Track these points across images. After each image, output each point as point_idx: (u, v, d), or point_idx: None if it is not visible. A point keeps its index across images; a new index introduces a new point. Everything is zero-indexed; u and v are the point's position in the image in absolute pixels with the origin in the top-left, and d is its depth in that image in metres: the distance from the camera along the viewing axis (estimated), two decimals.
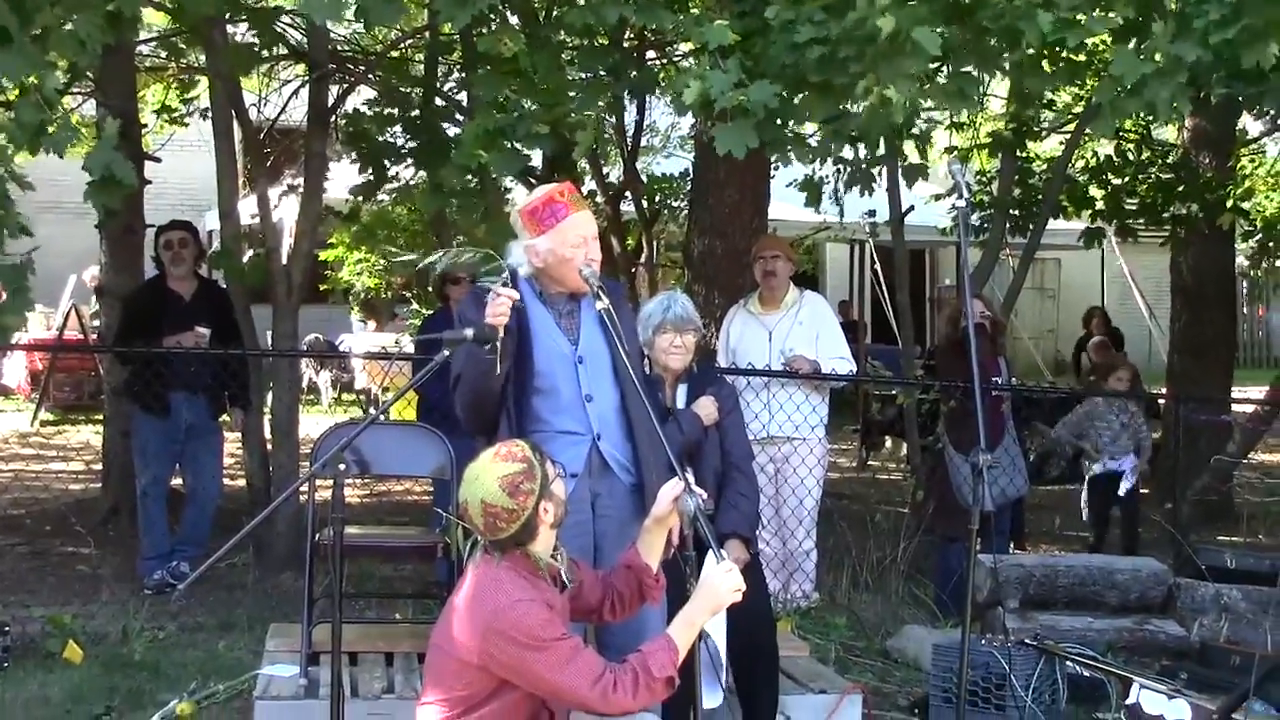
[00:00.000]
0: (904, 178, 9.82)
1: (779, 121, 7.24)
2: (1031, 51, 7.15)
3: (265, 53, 10.03)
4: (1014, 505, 9.57)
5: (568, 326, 5.17)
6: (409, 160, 10.21)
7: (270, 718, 5.93)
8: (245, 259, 9.91)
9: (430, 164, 9.56)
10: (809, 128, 8.39)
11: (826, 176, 9.36)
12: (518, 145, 8.14)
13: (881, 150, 8.43)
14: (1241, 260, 13.60)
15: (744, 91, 6.78)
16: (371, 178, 10.27)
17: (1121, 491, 10.00)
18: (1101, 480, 10.00)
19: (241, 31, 10.91)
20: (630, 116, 13.65)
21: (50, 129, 6.65)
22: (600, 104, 8.37)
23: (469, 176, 8.86)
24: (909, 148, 9.25)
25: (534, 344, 5.09)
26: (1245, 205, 13.42)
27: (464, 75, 10.31)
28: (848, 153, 8.81)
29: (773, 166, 10.23)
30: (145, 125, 12.27)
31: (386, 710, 5.95)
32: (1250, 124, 14.07)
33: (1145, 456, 10.09)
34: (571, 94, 8.21)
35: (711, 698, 5.48)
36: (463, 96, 10.58)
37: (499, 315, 4.87)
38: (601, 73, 8.61)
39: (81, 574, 9.25)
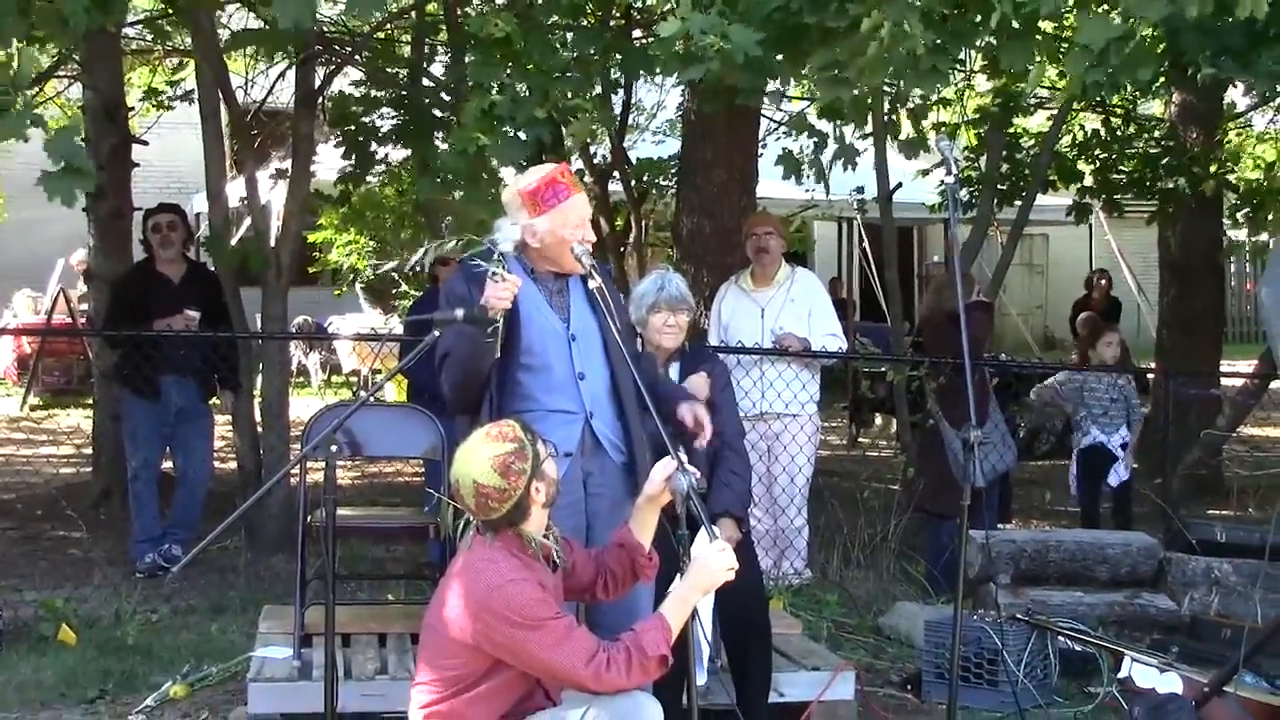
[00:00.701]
0: (901, 151, 9.82)
1: (760, 72, 7.16)
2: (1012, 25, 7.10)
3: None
4: (1002, 480, 9.59)
5: (559, 305, 5.18)
6: (397, 142, 10.19)
7: (264, 699, 5.93)
8: (234, 242, 9.89)
9: (417, 144, 9.53)
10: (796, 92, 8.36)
11: (806, 149, 9.33)
12: (519, 133, 8.10)
13: (872, 119, 8.39)
14: (1232, 234, 13.57)
15: (723, 32, 6.70)
16: (356, 166, 10.24)
17: (1114, 482, 9.88)
18: (1090, 453, 9.93)
19: (229, 13, 10.88)
20: (617, 96, 13.63)
21: (14, 109, 6.59)
22: (596, 86, 8.34)
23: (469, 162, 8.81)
24: (904, 126, 9.27)
25: (524, 322, 5.08)
26: (1232, 177, 13.41)
27: (451, 56, 10.27)
28: (826, 126, 8.79)
29: (760, 145, 10.22)
30: (132, 108, 12.24)
31: (380, 691, 5.95)
32: (1238, 98, 14.06)
33: (1136, 431, 10.03)
34: (565, 75, 8.19)
35: (700, 675, 5.50)
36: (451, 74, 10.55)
37: (501, 300, 4.87)
38: (592, 53, 8.58)
39: (73, 558, 9.25)
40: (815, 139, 9.16)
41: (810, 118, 9.09)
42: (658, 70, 8.10)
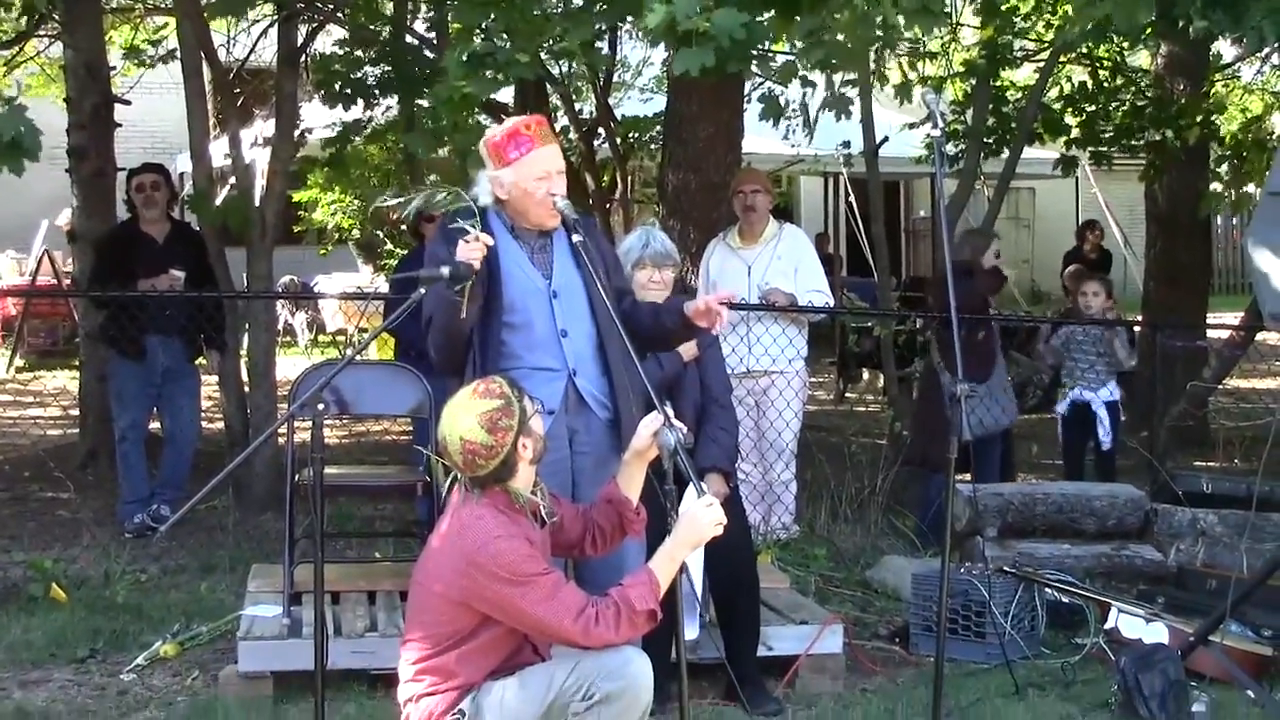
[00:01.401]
0: (896, 96, 9.78)
1: (748, 44, 7.16)
2: None
3: None
4: (1003, 437, 9.55)
5: (540, 261, 5.15)
6: (380, 99, 10.14)
7: (254, 658, 5.95)
8: (219, 202, 9.85)
9: (403, 97, 9.48)
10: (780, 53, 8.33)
11: (793, 100, 9.30)
12: (498, 76, 8.06)
13: (855, 75, 8.36)
14: (1216, 187, 13.55)
15: (708, 16, 6.71)
16: (342, 126, 10.19)
17: (1105, 445, 9.71)
18: (1074, 412, 9.82)
19: None
20: (603, 43, 13.56)
21: None
22: (589, 31, 8.28)
23: (453, 111, 8.76)
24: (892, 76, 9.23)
25: (505, 280, 5.06)
26: (1219, 126, 13.40)
27: (434, 10, 10.23)
28: (817, 76, 8.76)
29: (745, 100, 10.18)
30: (114, 68, 12.16)
31: (370, 648, 5.98)
32: (1225, 49, 14.03)
33: (1130, 360, 9.72)
34: (556, 22, 8.13)
35: (690, 628, 5.52)
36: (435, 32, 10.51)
37: (471, 258, 4.85)
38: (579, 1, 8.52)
39: (62, 519, 9.25)
40: (806, 88, 9.13)
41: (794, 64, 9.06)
42: (650, 37, 8.04)
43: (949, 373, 9.01)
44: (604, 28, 10.64)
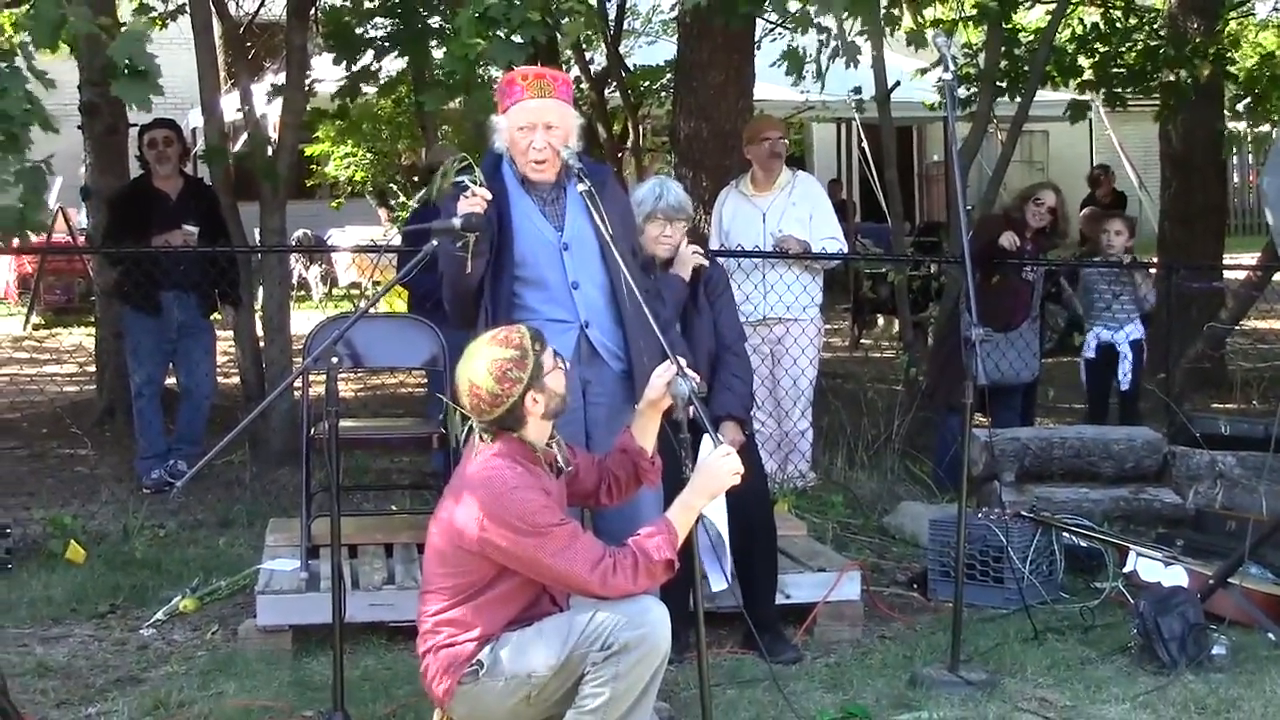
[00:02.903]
0: (910, 43, 9.72)
1: None
2: None
3: None
4: (1027, 389, 9.48)
5: (552, 214, 5.13)
6: (391, 50, 10.10)
7: (272, 611, 5.97)
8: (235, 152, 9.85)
9: (413, 52, 9.43)
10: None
11: (807, 50, 9.23)
12: (514, 36, 8.03)
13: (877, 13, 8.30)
14: (1233, 126, 13.45)
15: None
16: (351, 75, 10.16)
17: (1124, 385, 9.62)
18: (1099, 353, 9.72)
19: None
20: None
21: (66, 24, 6.61)
22: None
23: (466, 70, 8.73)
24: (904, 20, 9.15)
25: (515, 232, 5.05)
26: (1232, 67, 13.30)
27: None
28: (830, 22, 8.70)
29: (756, 46, 10.13)
30: (123, 24, 12.11)
31: (388, 600, 5.99)
32: None
33: (1150, 298, 9.61)
34: None
35: (716, 581, 5.52)
36: None
37: (470, 210, 4.84)
38: None
39: (80, 475, 9.28)
40: (821, 37, 9.07)
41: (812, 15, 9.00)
42: None
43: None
44: None
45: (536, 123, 5.02)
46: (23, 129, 6.58)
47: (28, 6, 6.79)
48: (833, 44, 8.92)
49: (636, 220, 5.95)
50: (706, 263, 6.23)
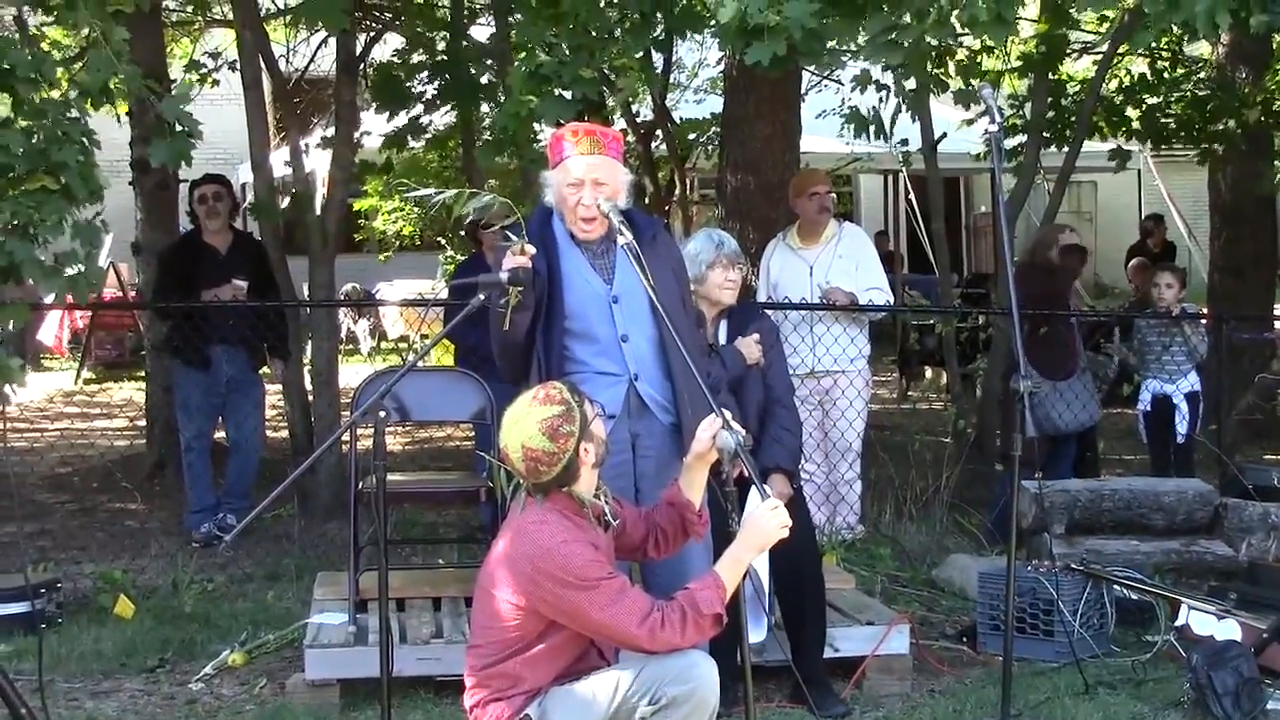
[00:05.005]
0: (957, 102, 9.76)
1: (819, 38, 7.18)
2: None
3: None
4: (1082, 435, 9.44)
5: (602, 267, 5.15)
6: (439, 105, 10.19)
7: (321, 665, 5.97)
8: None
9: (462, 107, 9.50)
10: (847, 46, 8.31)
11: (871, 106, 9.28)
12: (563, 92, 8.09)
13: (928, 70, 8.34)
14: None
15: (779, 8, 6.73)
16: (399, 130, 10.26)
17: (1179, 437, 9.42)
18: (1154, 405, 9.64)
19: None
20: (660, 56, 13.57)
21: (115, 81, 6.71)
22: (648, 44, 8.32)
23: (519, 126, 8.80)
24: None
25: (565, 286, 5.07)
26: None
27: (496, 24, 10.25)
28: (879, 73, 8.74)
29: (802, 98, 10.16)
30: (174, 80, 12.26)
31: (435, 654, 5.99)
32: None
33: (1199, 356, 9.53)
34: (616, 35, 8.17)
35: (756, 631, 5.50)
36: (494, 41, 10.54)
37: (515, 265, 4.86)
38: (642, 12, 8.54)
39: (130, 529, 9.32)
40: (881, 93, 9.12)
41: (870, 72, 9.05)
42: (716, 39, 8.08)
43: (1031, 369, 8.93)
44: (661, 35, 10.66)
45: (585, 179, 5.04)
46: (79, 180, 6.66)
47: (80, 65, 6.89)
48: (893, 100, 8.96)
49: (700, 269, 6.01)
50: (762, 360, 6.23)
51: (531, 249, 4.93)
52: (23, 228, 6.60)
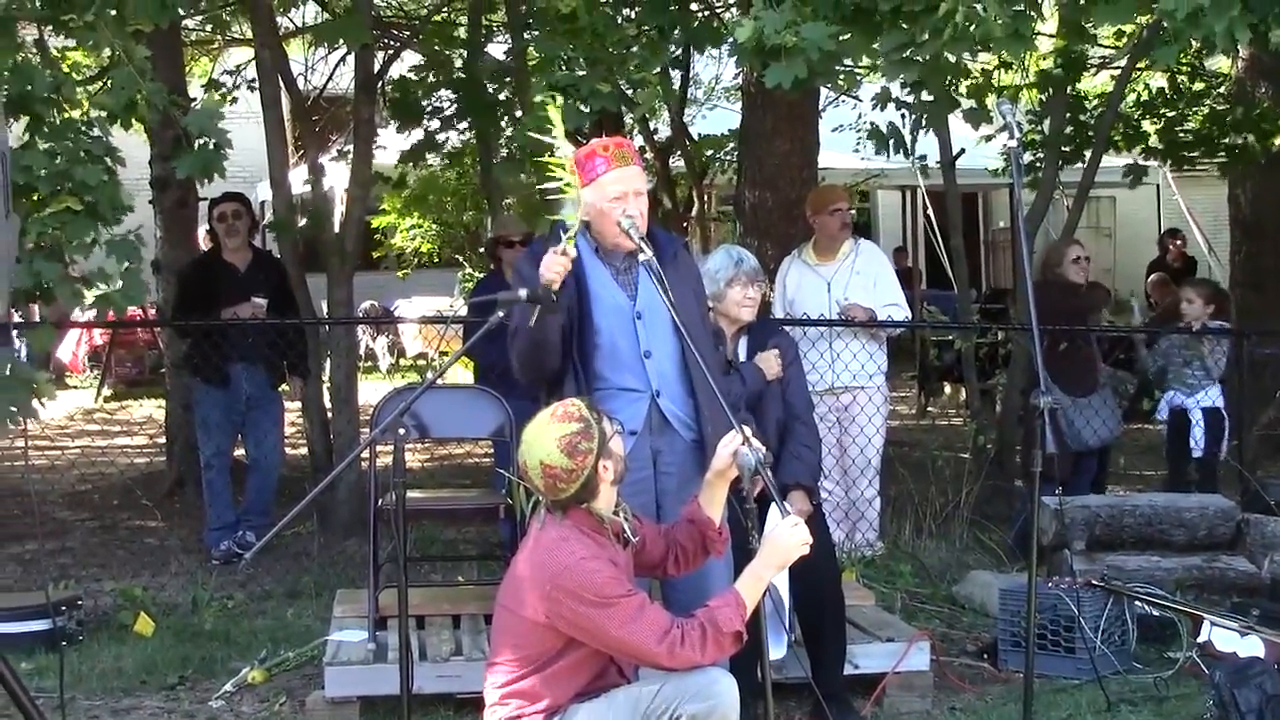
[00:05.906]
0: (967, 121, 9.75)
1: (835, 58, 7.19)
2: None
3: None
4: (1101, 452, 9.45)
5: (625, 282, 5.15)
6: (457, 123, 10.21)
7: (340, 683, 5.97)
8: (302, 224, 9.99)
9: (479, 124, 9.51)
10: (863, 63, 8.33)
11: (890, 122, 9.28)
12: (580, 106, 8.11)
13: (949, 85, 8.35)
14: None
15: (797, 29, 6.74)
16: (418, 142, 10.29)
17: (1195, 450, 9.37)
18: (1171, 418, 9.62)
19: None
20: (677, 71, 13.59)
21: (140, 97, 6.74)
22: (667, 59, 8.35)
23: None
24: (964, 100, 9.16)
25: (592, 301, 5.07)
26: None
27: (513, 40, 10.28)
28: (898, 90, 8.74)
29: (819, 114, 10.16)
30: (193, 99, 12.31)
31: (455, 672, 5.98)
32: None
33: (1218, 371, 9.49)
34: (634, 50, 8.19)
35: (776, 648, 5.49)
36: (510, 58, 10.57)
37: (550, 270, 4.86)
38: (660, 27, 8.56)
39: (150, 546, 9.34)
40: (902, 110, 9.12)
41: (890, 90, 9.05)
42: (733, 58, 8.10)
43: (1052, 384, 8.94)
44: (678, 49, 10.70)
45: (628, 190, 5.04)
46: (103, 200, 6.68)
47: (102, 83, 6.92)
48: (911, 117, 8.96)
49: (718, 286, 6.01)
50: (782, 375, 6.23)
51: (573, 252, 4.93)
52: (50, 249, 6.62)
